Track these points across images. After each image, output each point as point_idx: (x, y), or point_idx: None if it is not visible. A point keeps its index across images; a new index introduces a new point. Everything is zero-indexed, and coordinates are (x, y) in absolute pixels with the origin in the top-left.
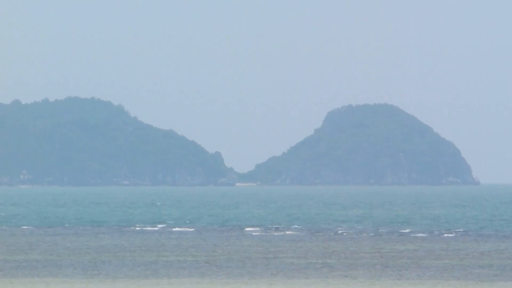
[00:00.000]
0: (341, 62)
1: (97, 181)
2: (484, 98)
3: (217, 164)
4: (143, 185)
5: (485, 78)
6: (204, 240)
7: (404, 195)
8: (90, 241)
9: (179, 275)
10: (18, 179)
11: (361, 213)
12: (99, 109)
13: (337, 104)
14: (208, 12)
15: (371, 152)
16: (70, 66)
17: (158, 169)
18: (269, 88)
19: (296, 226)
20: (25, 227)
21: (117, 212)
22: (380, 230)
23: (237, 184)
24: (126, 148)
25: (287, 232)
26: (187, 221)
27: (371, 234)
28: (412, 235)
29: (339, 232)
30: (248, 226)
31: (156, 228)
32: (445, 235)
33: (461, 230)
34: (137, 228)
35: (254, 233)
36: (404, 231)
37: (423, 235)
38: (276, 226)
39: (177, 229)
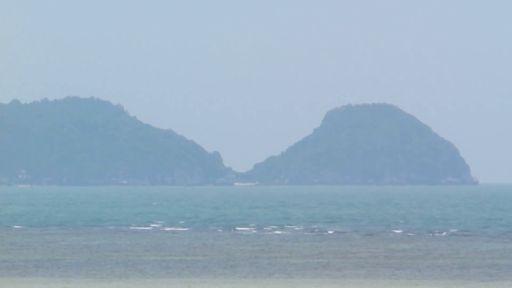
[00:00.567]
0: (340, 62)
1: (96, 181)
2: (483, 98)
3: (216, 164)
4: (142, 185)
5: (484, 79)
6: (197, 240)
7: (402, 194)
8: (85, 241)
9: (170, 274)
10: (17, 179)
11: (357, 212)
12: (98, 109)
13: (336, 103)
14: (207, 13)
15: (370, 152)
16: (69, 66)
17: (157, 169)
18: (268, 88)
19: (290, 225)
20: (17, 226)
21: (113, 211)
22: (376, 230)
23: (235, 183)
24: (125, 147)
25: (282, 232)
26: (181, 221)
27: (367, 234)
28: (407, 235)
29: (335, 231)
30: (241, 226)
31: (149, 228)
32: (441, 234)
33: (457, 229)
34: (132, 228)
35: (247, 233)
36: (399, 230)
37: (419, 234)
38: (272, 226)
39: (170, 228)
